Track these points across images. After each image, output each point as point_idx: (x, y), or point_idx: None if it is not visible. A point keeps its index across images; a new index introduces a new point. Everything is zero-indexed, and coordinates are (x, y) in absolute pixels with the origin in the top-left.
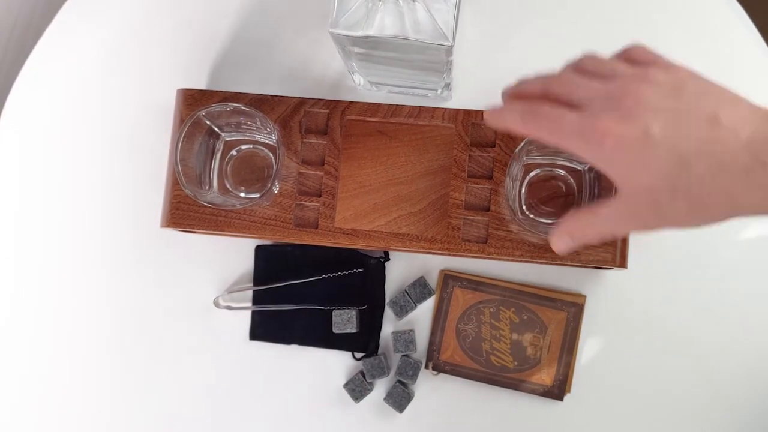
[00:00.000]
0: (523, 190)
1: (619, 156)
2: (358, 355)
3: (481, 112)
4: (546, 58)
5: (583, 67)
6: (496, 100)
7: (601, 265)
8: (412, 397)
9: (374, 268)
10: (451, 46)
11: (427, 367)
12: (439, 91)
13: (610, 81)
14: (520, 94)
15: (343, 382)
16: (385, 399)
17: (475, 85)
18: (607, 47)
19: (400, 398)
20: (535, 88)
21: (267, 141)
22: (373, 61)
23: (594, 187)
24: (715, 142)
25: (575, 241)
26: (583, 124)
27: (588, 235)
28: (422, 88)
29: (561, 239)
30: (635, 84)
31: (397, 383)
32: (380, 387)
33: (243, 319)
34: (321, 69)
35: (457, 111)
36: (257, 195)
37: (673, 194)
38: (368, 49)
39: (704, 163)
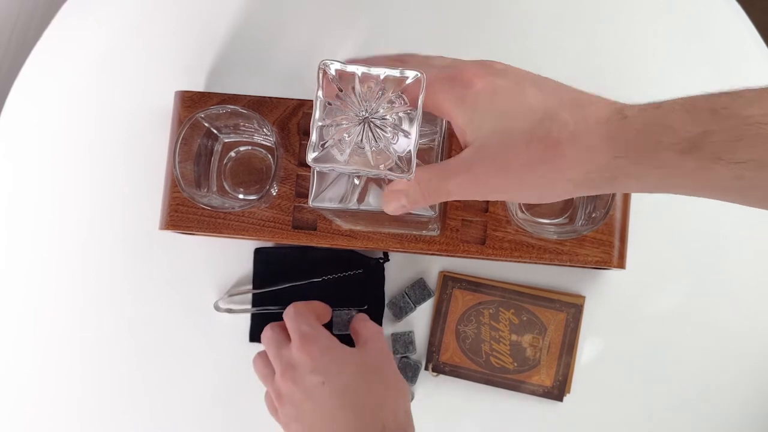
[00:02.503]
0: None
1: (485, 99)
2: None
3: None
4: (547, 58)
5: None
6: None
7: (600, 265)
8: (412, 398)
9: (373, 269)
10: (437, 215)
11: (426, 368)
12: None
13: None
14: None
15: None
16: None
17: None
18: (606, 48)
19: None
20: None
21: (265, 143)
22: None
23: None
24: (581, 99)
25: (411, 206)
26: (453, 67)
27: (428, 202)
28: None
29: (397, 200)
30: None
31: None
32: None
33: (243, 322)
34: None
35: None
36: (255, 197)
37: (531, 140)
38: (350, 214)
39: (570, 113)
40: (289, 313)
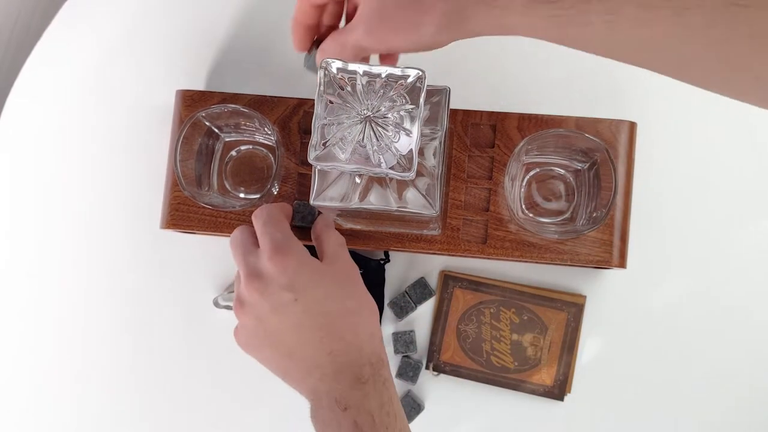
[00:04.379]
0: (522, 190)
1: None
2: None
3: (481, 112)
4: (544, 59)
5: None
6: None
7: (601, 265)
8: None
9: (374, 269)
10: (438, 214)
11: (427, 367)
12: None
13: None
14: None
15: None
16: None
17: (475, 85)
18: None
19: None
20: None
21: (266, 142)
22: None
23: (593, 185)
24: None
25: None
26: None
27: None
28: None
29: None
30: None
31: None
32: None
33: None
34: None
35: (456, 111)
36: (257, 196)
37: (398, 4)
38: (351, 212)
39: None
40: (260, 217)
